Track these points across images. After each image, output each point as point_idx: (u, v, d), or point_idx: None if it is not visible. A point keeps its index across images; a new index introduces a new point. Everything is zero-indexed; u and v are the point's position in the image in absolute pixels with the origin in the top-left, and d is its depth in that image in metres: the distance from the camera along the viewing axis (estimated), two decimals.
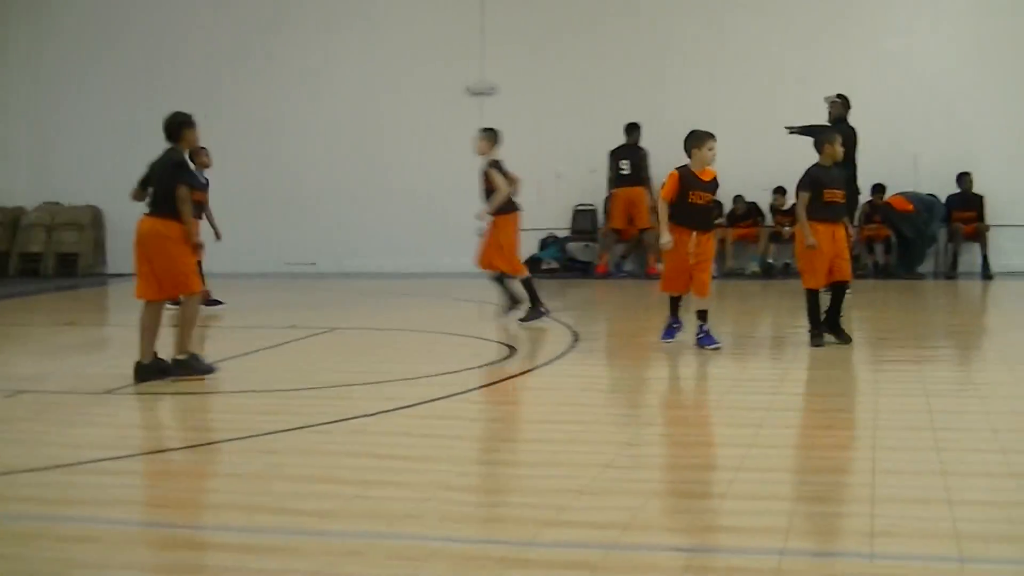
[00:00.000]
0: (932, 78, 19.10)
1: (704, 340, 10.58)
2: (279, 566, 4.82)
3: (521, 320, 12.66)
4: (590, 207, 20.16)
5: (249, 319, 13.41)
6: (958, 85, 19.07)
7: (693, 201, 10.46)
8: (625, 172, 19.17)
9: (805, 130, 14.84)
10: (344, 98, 20.90)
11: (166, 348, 9.46)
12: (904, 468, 6.46)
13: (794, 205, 19.08)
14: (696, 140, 10.46)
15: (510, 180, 12.78)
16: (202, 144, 14.79)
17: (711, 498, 5.75)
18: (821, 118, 16.19)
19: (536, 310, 12.69)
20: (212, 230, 14.61)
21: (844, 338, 10.80)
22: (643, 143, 19.26)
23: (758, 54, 19.57)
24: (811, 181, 10.84)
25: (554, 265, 19.87)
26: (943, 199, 18.96)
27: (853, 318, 12.40)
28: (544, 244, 20.29)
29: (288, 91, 20.96)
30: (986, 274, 18.58)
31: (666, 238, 10.42)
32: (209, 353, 11.43)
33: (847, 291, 11.19)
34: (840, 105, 16.15)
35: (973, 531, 5.09)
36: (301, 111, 20.18)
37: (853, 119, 15.61)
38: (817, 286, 10.73)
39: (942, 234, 19.08)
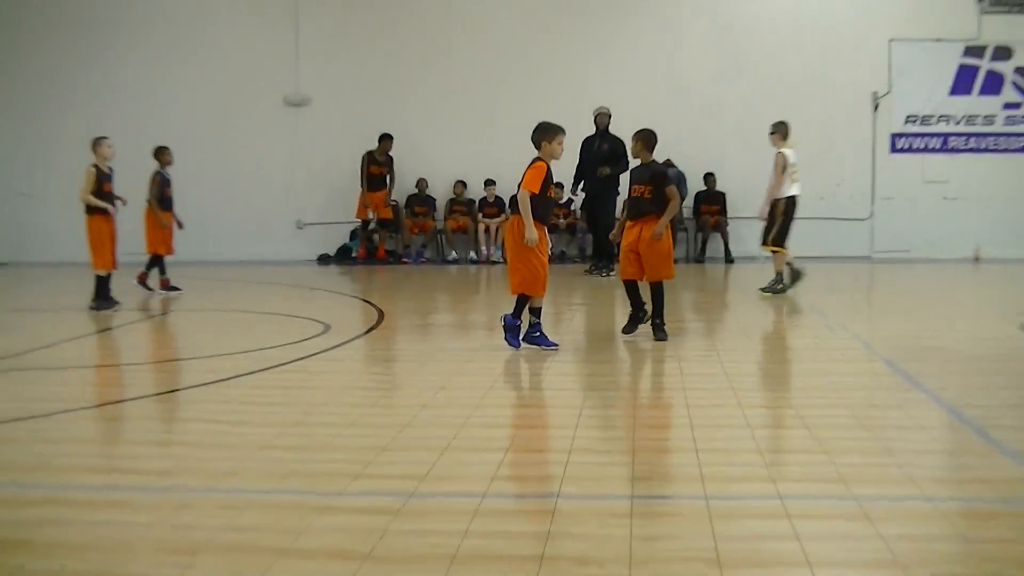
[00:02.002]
0: (684, 93, 19.83)
1: (537, 339, 9.35)
2: (122, 519, 4.80)
3: (93, 308, 12.75)
4: (393, 203, 20.22)
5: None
6: (705, 99, 19.85)
7: (550, 196, 9.23)
8: None
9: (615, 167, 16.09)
10: (189, 114, 20.73)
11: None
12: (658, 423, 6.75)
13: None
14: (547, 133, 9.06)
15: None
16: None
17: (494, 451, 5.90)
18: (588, 125, 16.71)
19: (107, 301, 12.84)
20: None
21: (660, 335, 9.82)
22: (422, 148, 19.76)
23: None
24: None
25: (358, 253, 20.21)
26: (692, 196, 19.79)
27: (618, 295, 12.73)
28: (352, 235, 20.73)
29: (135, 104, 20.68)
30: (728, 259, 19.41)
31: (534, 234, 8.99)
32: (65, 332, 11.11)
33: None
34: (607, 116, 16.68)
35: (714, 474, 5.36)
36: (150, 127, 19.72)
37: (617, 129, 16.16)
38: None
39: (691, 224, 19.87)
